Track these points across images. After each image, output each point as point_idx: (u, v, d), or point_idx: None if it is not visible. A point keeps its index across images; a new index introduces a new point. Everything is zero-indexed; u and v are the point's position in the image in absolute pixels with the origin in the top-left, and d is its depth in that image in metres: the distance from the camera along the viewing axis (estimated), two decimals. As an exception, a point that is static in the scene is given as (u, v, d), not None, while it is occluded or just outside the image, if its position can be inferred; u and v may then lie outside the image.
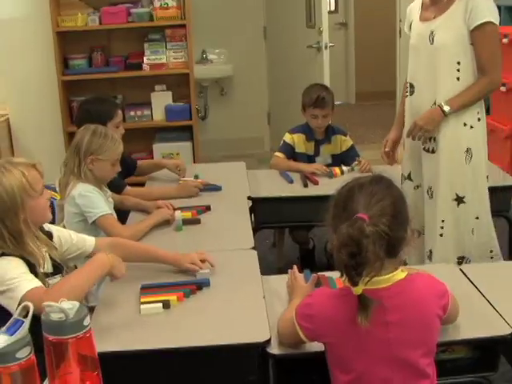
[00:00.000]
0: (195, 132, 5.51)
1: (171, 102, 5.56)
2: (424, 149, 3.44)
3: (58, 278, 2.51)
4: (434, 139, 3.37)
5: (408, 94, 3.50)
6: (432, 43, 3.31)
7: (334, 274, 2.65)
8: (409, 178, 3.63)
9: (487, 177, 3.43)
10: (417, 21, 3.44)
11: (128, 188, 3.78)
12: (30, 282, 2.26)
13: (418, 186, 3.59)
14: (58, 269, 2.55)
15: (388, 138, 3.80)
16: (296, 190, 3.97)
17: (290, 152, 4.35)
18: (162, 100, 5.49)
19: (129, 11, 5.43)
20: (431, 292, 2.04)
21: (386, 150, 3.78)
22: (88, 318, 1.58)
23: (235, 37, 7.33)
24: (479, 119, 3.34)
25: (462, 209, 3.37)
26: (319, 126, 4.31)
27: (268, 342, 2.24)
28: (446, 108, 3.26)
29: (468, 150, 3.32)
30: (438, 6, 3.31)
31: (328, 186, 3.88)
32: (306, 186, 4.01)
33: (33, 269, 2.36)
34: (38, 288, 2.25)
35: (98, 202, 3.23)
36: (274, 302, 2.53)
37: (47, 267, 2.49)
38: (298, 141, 4.36)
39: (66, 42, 5.51)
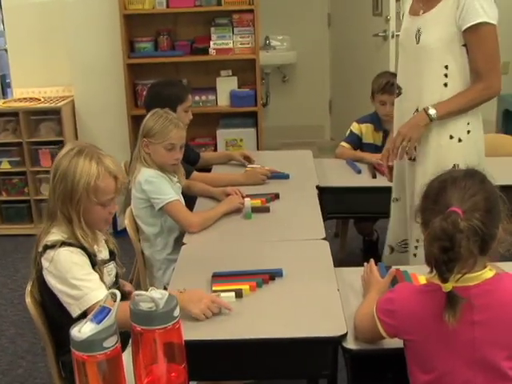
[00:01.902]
0: (259, 119, 5.43)
1: (236, 87, 5.49)
2: (409, 158, 3.12)
3: (111, 264, 2.49)
4: (415, 149, 3.04)
5: (395, 96, 3.21)
6: (418, 42, 2.97)
7: (408, 268, 2.59)
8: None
9: None
10: (406, 13, 3.10)
11: (195, 173, 3.73)
12: (98, 292, 2.23)
13: (397, 199, 3.38)
14: (112, 256, 2.52)
15: (386, 149, 3.29)
16: (364, 180, 3.89)
17: (357, 142, 4.29)
18: (227, 85, 5.42)
19: (197, -6, 5.37)
20: None
21: (390, 163, 3.24)
22: (178, 309, 1.52)
23: (299, 23, 7.28)
24: (469, 131, 2.99)
25: None
26: (387, 114, 4.20)
27: (344, 336, 2.18)
28: (432, 112, 2.91)
29: (455, 166, 2.92)
30: (428, 0, 2.96)
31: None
32: (374, 176, 3.92)
33: (92, 259, 2.34)
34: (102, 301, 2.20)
35: (165, 188, 3.18)
36: (349, 295, 2.46)
37: (104, 255, 2.48)
38: (365, 131, 4.30)
39: (133, 24, 5.47)
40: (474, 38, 2.84)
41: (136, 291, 1.53)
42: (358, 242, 4.67)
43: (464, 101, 2.92)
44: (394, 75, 4.36)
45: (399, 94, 3.16)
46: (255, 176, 3.71)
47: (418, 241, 3.06)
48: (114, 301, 1.47)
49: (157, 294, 1.50)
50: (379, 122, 4.29)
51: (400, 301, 1.99)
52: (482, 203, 1.86)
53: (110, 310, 1.46)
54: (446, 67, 2.92)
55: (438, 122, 2.96)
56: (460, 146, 2.99)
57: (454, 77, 2.92)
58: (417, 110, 3.02)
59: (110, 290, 1.52)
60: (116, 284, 2.52)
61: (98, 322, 1.45)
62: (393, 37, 5.86)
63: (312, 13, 7.29)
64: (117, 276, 2.54)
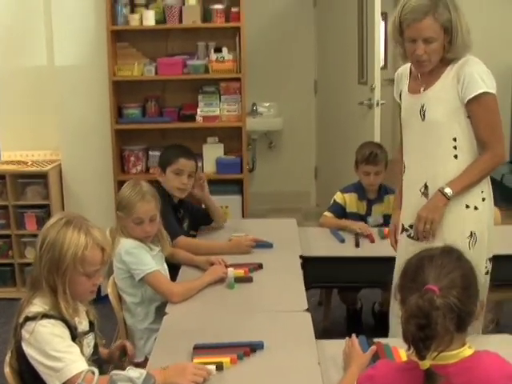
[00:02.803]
0: (245, 186, 5.48)
1: (222, 154, 5.55)
2: (408, 235, 3.18)
3: (90, 336, 2.49)
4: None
5: (403, 173, 3.27)
6: (423, 119, 3.04)
7: (388, 341, 2.61)
8: None
9: (488, 260, 3.12)
10: (406, 92, 3.18)
11: (182, 237, 3.74)
12: (78, 364, 2.22)
13: None
14: (92, 326, 2.53)
15: (393, 224, 3.45)
16: (347, 249, 3.93)
17: (340, 212, 4.34)
18: (213, 152, 5.48)
19: (185, 63, 5.45)
20: (500, 373, 1.94)
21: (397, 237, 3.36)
22: (156, 387, 1.54)
23: (286, 90, 7.43)
24: (484, 199, 3.06)
25: None
26: (371, 184, 4.30)
27: (323, 411, 2.19)
28: (448, 190, 2.97)
29: (472, 235, 3.03)
30: (427, 77, 3.05)
31: (380, 248, 3.90)
32: (357, 245, 3.96)
33: (73, 331, 2.34)
34: (83, 373, 2.19)
35: (145, 259, 3.20)
36: (330, 368, 2.47)
37: (85, 325, 2.48)
38: (349, 200, 4.35)
39: (121, 91, 5.55)
40: (476, 108, 2.93)
41: (114, 371, 1.55)
42: (341, 310, 4.67)
43: (475, 173, 2.99)
44: (378, 145, 4.49)
45: (404, 172, 3.22)
46: (240, 246, 3.72)
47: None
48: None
49: (134, 373, 1.52)
50: (363, 192, 4.35)
51: (380, 378, 2.00)
52: (459, 280, 1.88)
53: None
54: (455, 139, 3.00)
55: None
56: (476, 214, 3.04)
57: (462, 148, 3.00)
58: (425, 185, 3.08)
59: (89, 368, 1.53)
60: (95, 355, 2.52)
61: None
62: (378, 105, 5.99)
63: (299, 80, 7.43)
64: (96, 347, 2.54)
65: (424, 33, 2.91)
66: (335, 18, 6.90)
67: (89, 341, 2.47)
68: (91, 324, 2.53)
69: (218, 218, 4.21)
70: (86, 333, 2.46)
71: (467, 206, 3.03)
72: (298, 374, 2.42)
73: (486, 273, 3.12)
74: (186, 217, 4.08)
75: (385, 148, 4.57)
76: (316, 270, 3.83)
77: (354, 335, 2.57)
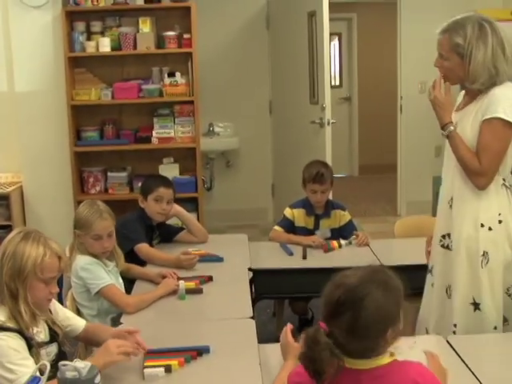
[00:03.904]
0: (200, 204, 5.73)
1: (178, 174, 5.79)
2: (441, 245, 3.25)
3: (53, 346, 2.68)
4: (449, 236, 3.19)
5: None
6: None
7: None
8: (430, 271, 3.40)
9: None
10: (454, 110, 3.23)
11: (144, 245, 4.05)
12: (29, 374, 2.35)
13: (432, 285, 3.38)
14: (53, 337, 2.71)
15: (429, 235, 3.49)
16: (295, 262, 4.15)
17: (290, 226, 4.55)
18: (169, 172, 5.68)
19: (140, 87, 5.71)
20: (417, 381, 2.02)
21: (428, 249, 3.45)
22: (99, 377, 1.77)
23: (241, 110, 7.65)
24: (500, 221, 3.07)
25: (478, 316, 3.12)
26: (318, 201, 4.51)
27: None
28: (451, 127, 3.08)
29: (484, 254, 3.07)
30: (469, 96, 3.16)
31: (326, 259, 4.15)
32: (304, 257, 4.17)
33: (29, 341, 2.52)
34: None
35: (100, 274, 3.43)
36: (270, 369, 2.69)
37: (45, 336, 2.67)
38: (298, 215, 4.56)
39: (80, 114, 5.78)
40: (484, 126, 3.00)
41: (62, 361, 1.78)
42: (294, 320, 4.87)
43: (463, 153, 3.05)
44: (324, 164, 4.70)
45: (440, 184, 3.32)
46: (186, 262, 3.92)
47: (455, 325, 3.14)
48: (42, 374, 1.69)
49: (80, 364, 1.75)
50: (311, 207, 4.57)
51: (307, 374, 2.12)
52: (350, 320, 1.95)
53: (39, 380, 1.70)
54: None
55: (468, 211, 3.11)
56: (490, 234, 3.07)
57: None
58: (452, 197, 3.18)
59: (41, 362, 1.75)
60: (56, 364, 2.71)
61: (30, 391, 1.68)
62: (328, 124, 6.22)
63: (254, 101, 7.67)
64: (60, 355, 2.69)
65: (438, 47, 3.11)
66: (288, 40, 7.15)
67: (49, 351, 2.65)
68: (53, 334, 2.71)
69: (198, 234, 4.45)
70: (44, 343, 2.64)
71: (482, 225, 3.07)
72: (240, 375, 2.65)
73: (509, 295, 3.14)
74: (158, 237, 4.40)
75: (330, 166, 4.78)
76: (265, 282, 4.08)
77: (288, 326, 2.70)
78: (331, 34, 9.81)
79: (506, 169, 3.09)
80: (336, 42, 10.91)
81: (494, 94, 3.00)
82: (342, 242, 4.38)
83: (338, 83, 10.94)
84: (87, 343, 3.12)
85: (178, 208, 4.40)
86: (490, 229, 3.07)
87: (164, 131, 5.72)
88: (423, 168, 7.69)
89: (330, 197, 4.88)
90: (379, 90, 10.07)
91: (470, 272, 3.11)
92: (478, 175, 3.05)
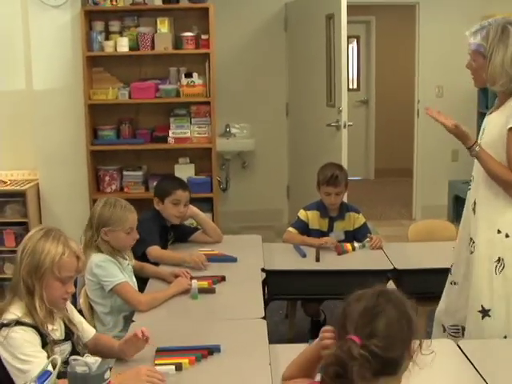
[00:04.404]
0: (215, 204, 5.76)
1: (193, 174, 5.82)
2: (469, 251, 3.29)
3: (67, 344, 2.71)
4: (474, 242, 3.24)
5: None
6: (482, 138, 3.22)
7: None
8: (449, 271, 3.50)
9: None
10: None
11: (155, 247, 4.06)
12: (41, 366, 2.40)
13: (454, 283, 3.46)
14: (68, 335, 2.74)
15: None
16: (308, 264, 4.17)
17: (304, 228, 4.56)
18: (184, 172, 5.74)
19: (157, 87, 5.74)
20: None
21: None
22: (108, 372, 1.80)
23: (258, 112, 7.68)
24: None
25: (487, 323, 3.15)
26: (332, 203, 4.52)
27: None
28: (477, 148, 3.12)
29: (499, 260, 3.11)
30: (500, 101, 3.21)
31: (339, 262, 4.18)
32: (318, 260, 4.19)
33: (44, 338, 2.56)
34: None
35: (114, 271, 3.46)
36: (280, 369, 2.70)
37: (60, 334, 2.70)
38: (312, 217, 4.58)
39: (97, 113, 5.83)
40: (510, 137, 3.04)
41: (72, 356, 1.80)
42: (306, 322, 4.90)
43: (495, 169, 3.10)
44: (339, 167, 4.71)
45: (470, 184, 3.37)
46: (194, 262, 3.95)
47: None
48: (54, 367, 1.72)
49: (91, 359, 1.77)
50: (325, 210, 4.58)
51: None
52: (382, 328, 1.86)
53: (50, 374, 1.73)
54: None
55: (488, 216, 3.17)
56: (507, 240, 3.10)
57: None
58: (474, 201, 3.25)
59: (52, 357, 1.78)
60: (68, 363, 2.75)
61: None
62: (345, 127, 6.24)
63: (271, 102, 7.70)
64: (74, 354, 2.74)
65: (468, 48, 3.18)
66: (305, 42, 7.18)
67: (62, 349, 2.68)
68: (68, 333, 2.75)
69: (213, 234, 4.47)
70: (59, 341, 2.68)
71: (499, 231, 3.11)
72: (250, 374, 2.67)
73: None
74: (173, 237, 4.43)
75: (345, 169, 4.80)
76: (278, 283, 4.11)
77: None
78: (349, 37, 9.86)
79: None
80: (354, 44, 10.91)
81: None
82: (356, 244, 4.40)
83: (355, 86, 10.93)
84: (92, 352, 3.13)
85: (193, 209, 4.43)
86: (506, 236, 3.10)
87: (180, 131, 5.75)
88: (439, 172, 7.69)
89: (345, 199, 4.89)
90: (397, 93, 10.05)
91: (484, 277, 3.14)
92: None
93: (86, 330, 2.93)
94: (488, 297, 3.13)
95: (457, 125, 3.10)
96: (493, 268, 3.11)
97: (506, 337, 3.12)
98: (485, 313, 3.14)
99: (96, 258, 3.46)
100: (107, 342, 2.93)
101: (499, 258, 3.10)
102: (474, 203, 3.25)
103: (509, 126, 3.03)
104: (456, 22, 7.00)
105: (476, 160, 3.24)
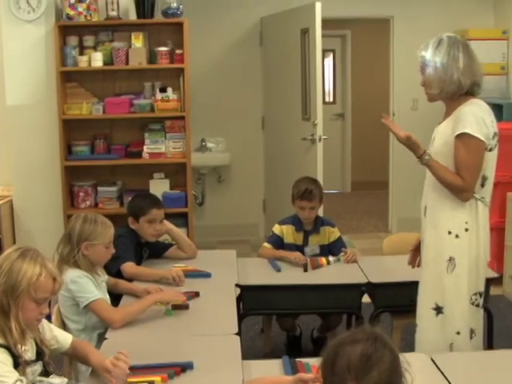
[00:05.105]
0: (190, 219, 5.76)
1: (168, 189, 5.82)
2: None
3: (38, 364, 2.67)
4: (424, 242, 3.46)
5: None
6: (432, 148, 3.39)
7: (317, 361, 2.86)
8: None
9: (478, 294, 3.35)
10: None
11: (130, 263, 4.06)
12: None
13: None
14: (39, 356, 2.71)
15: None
16: (283, 278, 4.18)
17: (279, 243, 4.58)
18: (159, 187, 5.73)
19: (131, 102, 5.74)
20: None
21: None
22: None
23: (234, 126, 7.71)
24: (467, 230, 3.30)
25: (441, 320, 3.35)
26: (306, 218, 4.54)
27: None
28: (427, 157, 3.30)
29: (451, 259, 3.30)
30: (446, 111, 3.41)
31: (314, 276, 4.20)
32: (305, 270, 4.25)
33: (16, 359, 2.54)
34: None
35: (89, 287, 3.45)
36: (253, 385, 2.72)
37: (32, 354, 2.67)
38: (287, 232, 4.60)
39: (71, 128, 5.80)
40: (457, 144, 3.25)
41: (38, 377, 1.79)
42: (282, 337, 4.92)
43: (444, 176, 3.29)
44: (314, 181, 4.74)
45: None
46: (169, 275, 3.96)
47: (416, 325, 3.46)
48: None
49: (56, 380, 1.76)
50: (300, 224, 4.60)
51: None
52: (383, 375, 1.85)
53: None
54: None
55: (438, 218, 3.36)
56: (457, 241, 3.31)
57: None
58: (425, 207, 3.46)
59: (18, 378, 1.77)
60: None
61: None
62: (320, 140, 6.27)
63: (247, 116, 7.74)
64: (44, 375, 2.68)
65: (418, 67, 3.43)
66: (281, 56, 7.22)
67: (34, 370, 2.64)
68: (39, 353, 2.72)
69: (187, 249, 4.47)
70: (31, 361, 2.65)
71: (449, 232, 3.31)
72: (223, 391, 2.68)
73: (477, 305, 3.36)
74: (147, 255, 4.42)
75: (320, 183, 4.82)
76: (253, 298, 4.12)
77: None
78: (325, 51, 9.97)
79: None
80: (330, 58, 10.97)
81: (462, 111, 3.27)
82: (331, 258, 4.42)
83: (331, 100, 11.00)
84: (74, 359, 3.14)
85: (168, 225, 4.42)
86: (456, 236, 3.31)
87: (155, 146, 5.75)
88: (415, 184, 7.66)
89: (322, 213, 4.91)
90: (372, 106, 10.12)
91: (436, 277, 3.35)
92: (463, 191, 3.29)
93: (62, 341, 2.93)
94: (441, 295, 3.33)
95: (409, 136, 3.29)
96: (444, 267, 3.31)
97: (459, 333, 3.32)
98: (438, 310, 3.34)
99: (72, 274, 3.45)
100: (86, 347, 2.96)
101: (450, 257, 3.30)
102: (425, 208, 3.44)
103: (455, 134, 3.23)
104: (430, 36, 7.00)
105: (427, 170, 3.43)
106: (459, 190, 3.28)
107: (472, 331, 3.37)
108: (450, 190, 3.30)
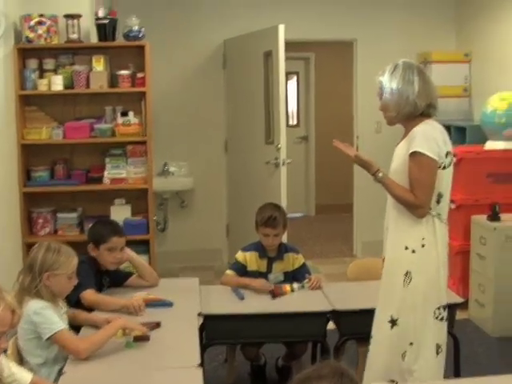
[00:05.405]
0: (152, 246, 5.70)
1: (130, 215, 5.75)
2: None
3: None
4: (384, 259, 3.61)
5: None
6: (390, 168, 3.57)
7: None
8: None
9: (442, 308, 3.49)
10: None
11: (90, 291, 3.97)
12: None
13: None
14: None
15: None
16: (246, 307, 4.13)
17: (242, 270, 4.53)
18: (120, 213, 5.67)
19: (92, 126, 5.67)
20: None
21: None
22: None
23: (197, 150, 7.70)
24: (423, 245, 3.44)
25: (395, 332, 3.50)
26: (270, 245, 4.51)
27: None
28: (380, 174, 3.47)
29: (407, 274, 3.44)
30: (405, 132, 3.56)
31: (278, 304, 4.16)
32: (273, 296, 4.24)
33: None
34: None
35: (53, 318, 3.36)
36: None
37: None
38: (250, 259, 4.56)
39: (30, 153, 5.71)
40: (410, 162, 3.41)
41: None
42: (247, 366, 4.86)
43: (397, 192, 3.46)
44: (277, 208, 4.71)
45: None
46: (130, 306, 3.90)
47: (371, 337, 3.60)
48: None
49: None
50: (263, 251, 4.56)
51: None
52: None
53: None
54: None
55: (396, 233, 3.53)
56: (413, 256, 3.45)
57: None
58: (387, 228, 3.63)
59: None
60: None
61: None
62: (283, 164, 6.27)
63: (210, 140, 7.73)
64: None
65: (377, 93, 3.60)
66: (244, 79, 7.24)
67: None
68: None
69: (149, 277, 4.40)
70: None
71: (406, 248, 3.46)
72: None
73: (441, 319, 3.51)
74: (108, 283, 4.34)
75: (283, 209, 4.79)
76: (216, 327, 4.06)
77: None
78: (289, 73, 10.00)
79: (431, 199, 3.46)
80: (294, 80, 11.00)
81: (415, 130, 3.43)
82: (295, 285, 4.39)
83: (295, 122, 11.03)
84: None
85: (129, 253, 4.36)
86: (413, 251, 3.45)
87: (116, 172, 5.69)
88: (379, 207, 7.68)
89: (286, 238, 4.89)
90: (336, 129, 10.11)
91: (392, 291, 3.50)
92: (417, 207, 3.43)
93: (21, 378, 2.85)
94: (396, 308, 3.48)
95: (356, 155, 3.53)
96: (401, 281, 3.45)
97: (412, 343, 3.46)
98: (393, 323, 3.48)
99: (34, 305, 3.37)
100: None
101: (407, 271, 3.45)
102: (387, 228, 3.62)
103: (409, 152, 3.39)
104: (393, 59, 7.05)
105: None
106: (413, 207, 3.43)
107: (438, 346, 3.50)
108: (405, 207, 3.45)
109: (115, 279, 4.36)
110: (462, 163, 5.83)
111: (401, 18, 7.93)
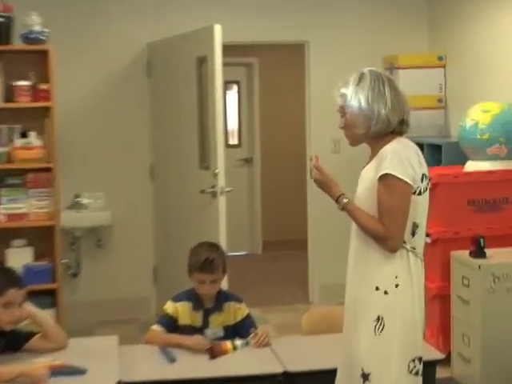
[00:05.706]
0: (60, 297, 5.58)
1: (32, 260, 5.65)
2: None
3: None
4: (349, 297, 3.59)
5: None
6: (355, 195, 3.57)
7: None
8: None
9: (417, 360, 3.46)
10: None
11: None
12: None
13: None
14: None
15: None
16: (178, 370, 4.04)
17: (171, 325, 4.45)
18: (20, 258, 5.57)
19: (-18, 150, 5.58)
20: None
21: None
22: None
23: (116, 177, 7.63)
24: (397, 285, 3.41)
25: None
26: (207, 293, 4.44)
27: None
28: (345, 200, 3.47)
29: (379, 319, 3.40)
30: (371, 153, 3.57)
31: (218, 366, 4.09)
32: (212, 357, 4.15)
33: None
34: None
35: None
36: None
37: None
38: (182, 311, 4.47)
39: None
40: (380, 185, 3.39)
41: None
42: None
43: (364, 222, 3.44)
44: (215, 247, 4.66)
45: None
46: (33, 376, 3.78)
47: None
48: None
49: None
50: (198, 300, 4.48)
51: None
52: None
53: None
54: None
55: (365, 271, 3.47)
56: (385, 298, 3.41)
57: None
58: (352, 261, 3.59)
59: None
60: None
61: None
62: (222, 193, 6.20)
63: (132, 165, 7.66)
64: None
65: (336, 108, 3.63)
66: (173, 91, 7.20)
67: None
68: None
69: (55, 338, 4.26)
70: None
71: (377, 288, 3.41)
72: None
73: (416, 373, 3.46)
74: (3, 347, 4.17)
75: (223, 249, 4.72)
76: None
77: None
78: (228, 83, 10.01)
79: (405, 230, 3.43)
80: (234, 91, 11.01)
81: (385, 150, 3.43)
82: (238, 342, 4.32)
83: (236, 142, 11.03)
84: None
85: (30, 308, 4.22)
86: (385, 292, 3.41)
87: (14, 206, 5.62)
88: (339, 242, 7.68)
89: (226, 283, 4.83)
90: (286, 149, 10.22)
91: (362, 339, 3.44)
92: (386, 239, 3.40)
93: None
94: (368, 360, 3.42)
95: (317, 166, 3.59)
96: (371, 328, 3.41)
97: None
98: (365, 377, 3.43)
99: None
100: None
101: (378, 316, 3.40)
102: (352, 262, 3.59)
103: (379, 175, 3.38)
104: (354, 64, 7.03)
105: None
106: (381, 239, 3.40)
107: None
108: (372, 239, 3.43)
109: (12, 341, 4.21)
110: (438, 189, 5.83)
111: (363, 16, 7.99)
